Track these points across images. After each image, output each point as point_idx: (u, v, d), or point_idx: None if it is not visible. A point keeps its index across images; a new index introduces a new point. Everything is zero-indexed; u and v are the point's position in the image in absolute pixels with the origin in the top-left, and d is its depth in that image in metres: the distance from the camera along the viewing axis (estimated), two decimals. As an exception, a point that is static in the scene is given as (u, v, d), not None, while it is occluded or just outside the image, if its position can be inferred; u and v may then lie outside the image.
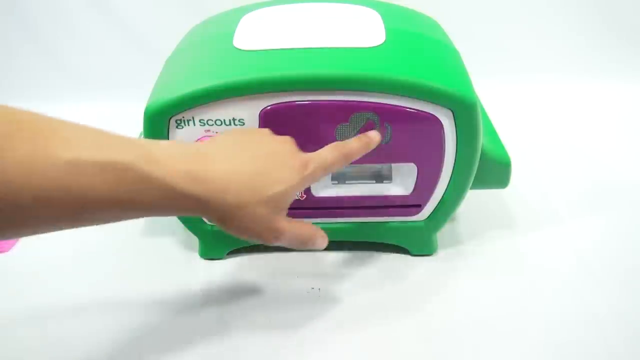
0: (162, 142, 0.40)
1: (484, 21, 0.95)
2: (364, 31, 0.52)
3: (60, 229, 0.35)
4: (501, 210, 0.65)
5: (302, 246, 0.45)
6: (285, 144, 0.45)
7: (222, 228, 0.41)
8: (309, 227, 0.45)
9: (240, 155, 0.41)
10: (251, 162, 0.41)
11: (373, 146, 0.48)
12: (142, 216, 0.38)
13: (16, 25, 0.96)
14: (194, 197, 0.38)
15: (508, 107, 0.82)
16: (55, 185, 0.32)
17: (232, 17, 0.58)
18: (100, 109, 0.91)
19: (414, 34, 0.54)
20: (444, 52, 0.53)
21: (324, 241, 0.46)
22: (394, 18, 0.56)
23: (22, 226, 0.34)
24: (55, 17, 0.96)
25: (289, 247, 0.44)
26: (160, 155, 0.37)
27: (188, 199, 0.38)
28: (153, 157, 0.36)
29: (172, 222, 0.62)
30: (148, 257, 0.60)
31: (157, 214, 0.39)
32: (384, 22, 0.54)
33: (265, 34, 0.53)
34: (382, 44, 0.50)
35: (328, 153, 0.45)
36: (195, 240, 0.59)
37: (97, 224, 0.36)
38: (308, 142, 0.50)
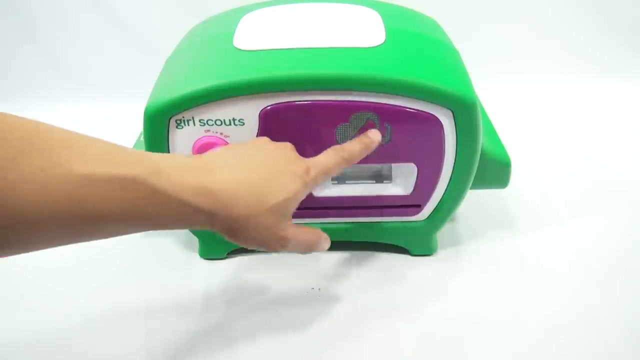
0: (170, 155, 0.40)
1: (484, 21, 0.95)
2: (364, 31, 0.52)
3: (71, 243, 0.35)
4: (501, 210, 0.65)
5: (307, 251, 0.45)
6: (286, 149, 0.45)
7: (228, 239, 0.41)
8: (313, 232, 0.45)
9: (243, 165, 0.41)
10: (255, 170, 0.41)
11: (375, 146, 0.48)
12: (152, 229, 0.38)
13: (16, 25, 0.96)
14: (202, 211, 0.38)
15: (508, 107, 0.82)
16: (70, 200, 0.32)
17: (232, 17, 0.58)
18: (100, 109, 0.91)
19: (413, 34, 0.54)
20: (444, 52, 0.53)
21: (327, 243, 0.47)
22: (394, 18, 0.56)
23: (34, 242, 0.34)
24: (55, 17, 0.96)
25: (294, 252, 0.44)
26: (169, 168, 0.37)
27: (197, 213, 0.38)
28: (163, 170, 0.36)
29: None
30: (148, 257, 0.60)
31: (166, 228, 0.38)
32: (384, 22, 0.54)
33: (265, 34, 0.53)
34: (382, 44, 0.50)
35: (330, 158, 0.45)
36: (195, 240, 0.59)
37: (105, 238, 0.36)
38: (308, 142, 0.50)
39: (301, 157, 0.45)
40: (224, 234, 0.40)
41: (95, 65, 0.96)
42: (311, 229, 0.45)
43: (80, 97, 0.92)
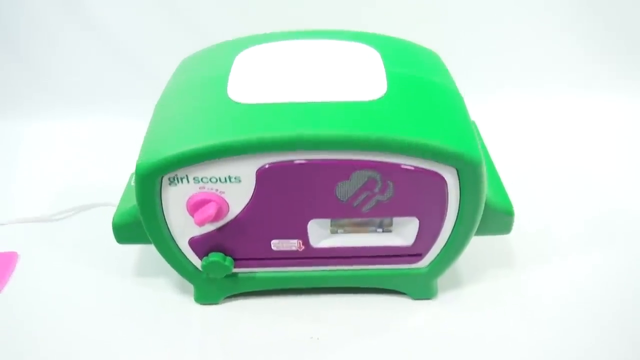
0: None
1: (482, 43, 0.92)
2: (364, 79, 0.50)
3: None
4: (502, 245, 0.64)
5: None
6: None
7: None
8: None
9: None
10: None
11: None
12: None
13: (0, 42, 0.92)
14: None
15: (507, 134, 0.80)
16: None
17: (225, 55, 0.56)
18: (89, 125, 0.89)
19: (416, 80, 0.52)
20: (447, 101, 0.51)
21: None
22: (394, 58, 0.53)
23: None
24: (40, 32, 0.92)
25: None
26: None
27: None
28: None
29: (166, 265, 0.60)
30: (142, 302, 0.58)
31: None
32: (385, 65, 0.52)
33: (260, 82, 0.50)
34: (383, 97, 0.48)
35: None
36: (189, 285, 0.58)
37: None
38: (307, 199, 0.48)
39: None
40: None
41: (84, 81, 0.93)
42: None
43: (71, 113, 0.89)
